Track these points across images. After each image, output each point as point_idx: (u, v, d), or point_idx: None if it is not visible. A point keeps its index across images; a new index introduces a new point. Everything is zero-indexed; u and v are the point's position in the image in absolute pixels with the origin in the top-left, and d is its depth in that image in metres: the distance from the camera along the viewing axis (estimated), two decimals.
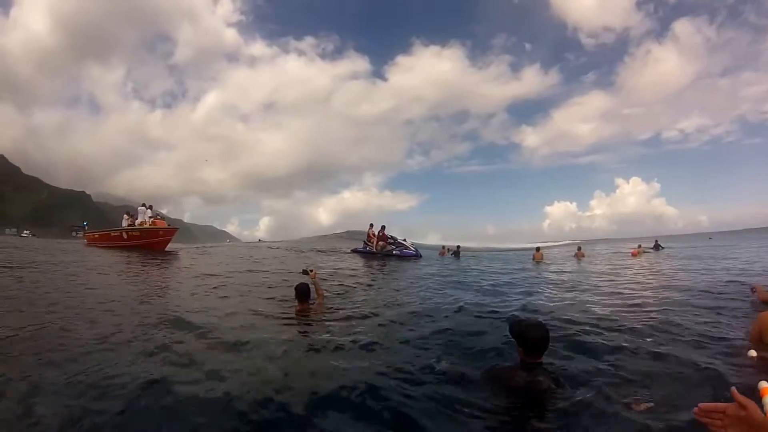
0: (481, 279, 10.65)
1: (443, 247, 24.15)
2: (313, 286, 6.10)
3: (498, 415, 2.61)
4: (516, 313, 5.43)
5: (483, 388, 2.93)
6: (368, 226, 20.32)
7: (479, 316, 5.52)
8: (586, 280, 10.62)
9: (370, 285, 9.50)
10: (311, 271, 6.41)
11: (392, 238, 19.75)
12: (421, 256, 18.90)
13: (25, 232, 58.36)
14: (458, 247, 22.28)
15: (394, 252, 18.94)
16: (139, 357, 3.72)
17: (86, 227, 34.15)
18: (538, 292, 8.53)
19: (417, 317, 5.65)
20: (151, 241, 18.18)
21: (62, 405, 2.76)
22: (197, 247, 24.44)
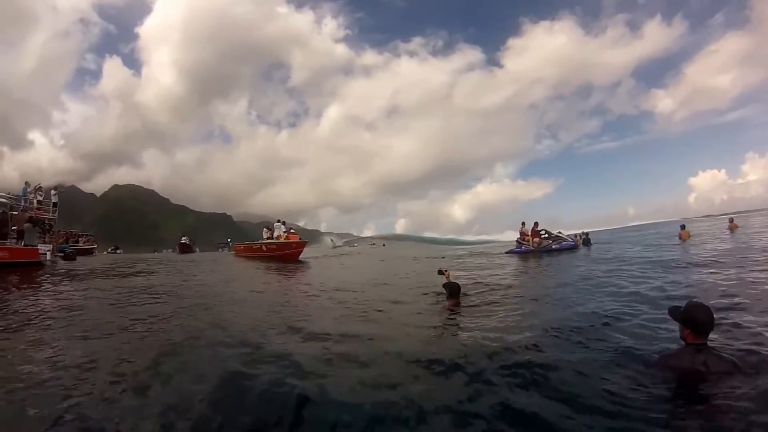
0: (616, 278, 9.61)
1: (575, 236, 22.65)
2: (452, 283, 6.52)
3: (677, 400, 2.72)
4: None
5: (657, 375, 3.03)
6: (520, 225, 19.96)
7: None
8: (748, 256, 9.24)
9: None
10: (446, 271, 6.75)
11: (546, 232, 19.42)
12: (578, 247, 18.46)
13: (166, 249, 67.83)
14: (587, 234, 20.82)
15: (553, 246, 18.62)
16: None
17: (231, 243, 38.46)
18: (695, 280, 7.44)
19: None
20: (285, 252, 20.47)
21: None
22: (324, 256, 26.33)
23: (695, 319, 2.95)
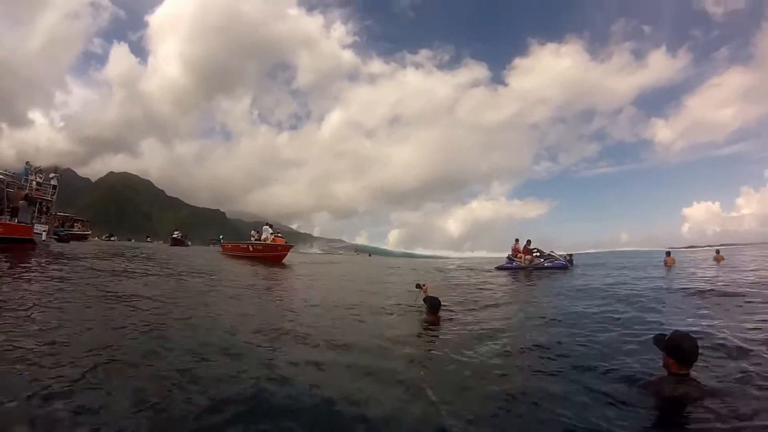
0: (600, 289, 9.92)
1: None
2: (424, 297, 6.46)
3: (656, 428, 2.75)
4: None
5: (637, 403, 3.01)
6: (514, 241, 20.09)
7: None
8: (727, 287, 9.32)
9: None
10: (424, 285, 6.86)
11: (538, 250, 19.44)
12: (568, 267, 18.37)
13: (148, 239, 68.46)
14: (570, 256, 20.99)
15: (545, 264, 18.58)
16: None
17: (222, 240, 38.71)
18: (667, 305, 7.61)
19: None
20: (271, 254, 21.09)
21: None
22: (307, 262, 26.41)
23: (680, 348, 2.97)
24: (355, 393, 3.25)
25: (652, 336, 3.32)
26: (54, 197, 18.53)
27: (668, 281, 11.85)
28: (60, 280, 8.10)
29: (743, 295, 7.67)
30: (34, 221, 16.50)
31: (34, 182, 17.28)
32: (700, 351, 3.01)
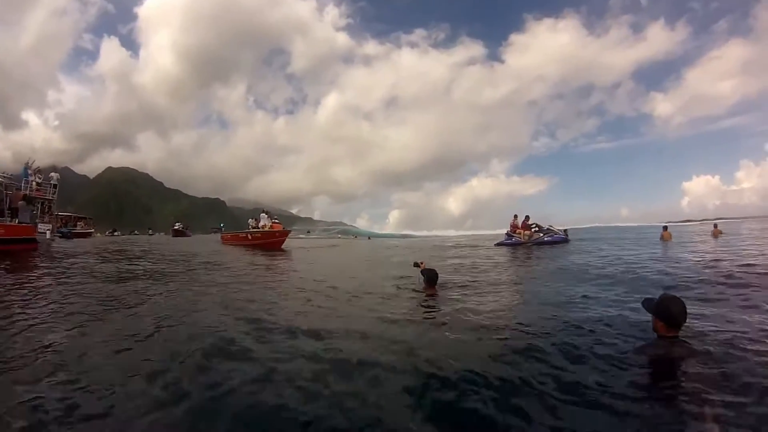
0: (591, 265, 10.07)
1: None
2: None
3: (650, 390, 2.81)
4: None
5: (631, 366, 3.10)
6: (512, 218, 20.36)
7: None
8: (721, 262, 9.27)
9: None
10: (421, 263, 7.11)
11: (537, 225, 19.65)
12: (569, 241, 18.60)
13: (150, 232, 69.63)
14: (565, 231, 21.11)
15: (545, 239, 18.78)
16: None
17: (222, 228, 39.07)
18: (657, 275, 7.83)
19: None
20: (269, 241, 21.53)
21: None
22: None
23: (669, 311, 3.09)
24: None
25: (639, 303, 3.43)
26: (55, 196, 18.67)
27: (663, 254, 11.98)
28: (63, 277, 8.25)
29: (735, 276, 7.80)
30: (37, 221, 16.69)
31: (34, 182, 17.38)
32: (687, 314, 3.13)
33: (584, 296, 5.95)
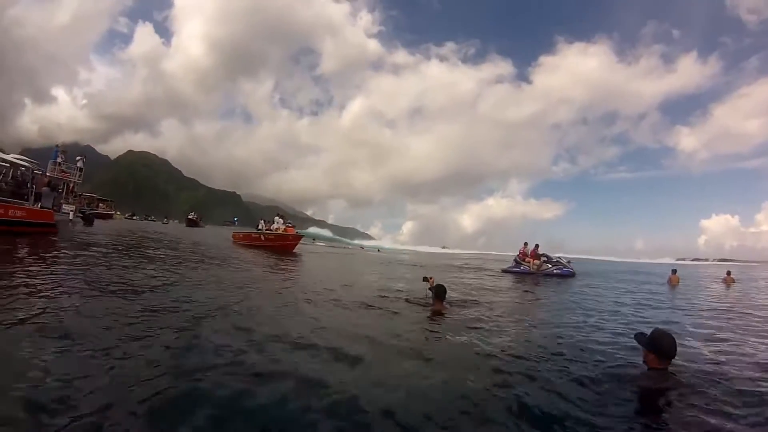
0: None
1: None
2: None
3: (638, 418, 2.94)
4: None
5: (619, 395, 3.27)
6: (522, 245, 20.08)
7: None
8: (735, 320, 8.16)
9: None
10: (430, 278, 7.36)
11: (546, 256, 19.39)
12: (575, 275, 18.43)
13: (165, 220, 69.72)
14: (569, 262, 20.71)
15: (554, 271, 18.53)
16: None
17: (237, 222, 39.65)
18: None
19: None
20: (282, 243, 21.94)
21: None
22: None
23: (661, 345, 3.34)
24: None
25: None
26: (80, 179, 19.28)
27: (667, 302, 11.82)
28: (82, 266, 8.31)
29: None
30: (61, 201, 17.24)
31: (61, 165, 17.96)
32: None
33: (584, 326, 6.26)
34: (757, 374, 4.01)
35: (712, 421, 2.80)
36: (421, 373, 3.73)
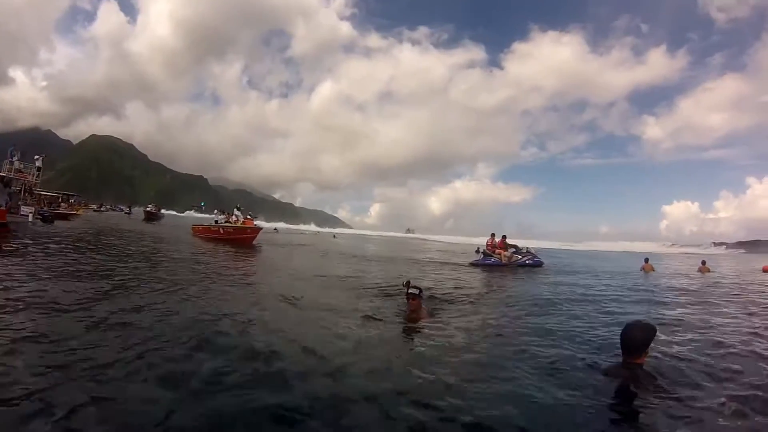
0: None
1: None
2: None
3: (611, 411, 2.98)
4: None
5: (594, 387, 3.29)
6: (489, 236, 19.25)
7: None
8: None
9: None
10: (408, 282, 7.17)
11: (514, 246, 18.89)
12: (542, 264, 18.40)
13: (128, 209, 65.38)
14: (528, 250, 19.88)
15: (527, 262, 18.25)
16: None
17: (204, 206, 38.75)
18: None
19: None
20: (241, 236, 21.79)
21: None
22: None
23: (633, 338, 3.27)
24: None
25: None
26: (39, 179, 18.12)
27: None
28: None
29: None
30: (19, 203, 16.16)
31: (14, 164, 16.80)
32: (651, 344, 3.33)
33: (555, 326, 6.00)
34: (737, 366, 3.99)
35: (674, 413, 2.86)
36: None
